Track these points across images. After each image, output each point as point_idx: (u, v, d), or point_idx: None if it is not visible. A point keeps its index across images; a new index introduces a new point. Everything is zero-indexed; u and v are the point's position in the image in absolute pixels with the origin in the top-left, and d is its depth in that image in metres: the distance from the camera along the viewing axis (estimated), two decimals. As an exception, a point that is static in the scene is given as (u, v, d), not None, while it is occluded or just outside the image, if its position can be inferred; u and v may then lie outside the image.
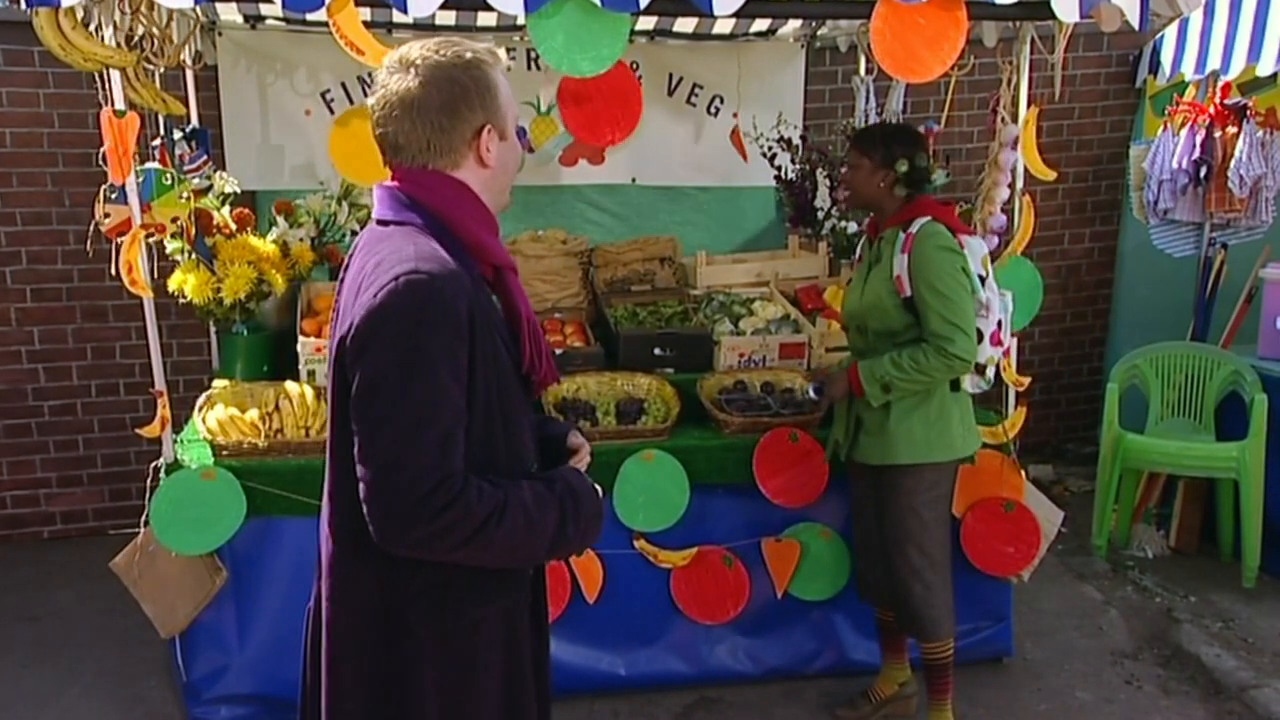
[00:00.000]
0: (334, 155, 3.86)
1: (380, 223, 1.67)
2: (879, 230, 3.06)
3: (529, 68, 4.69)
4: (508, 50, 4.63)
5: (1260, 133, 4.33)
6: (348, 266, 1.72)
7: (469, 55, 1.62)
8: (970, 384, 3.02)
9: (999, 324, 2.99)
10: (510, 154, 1.71)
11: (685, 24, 4.68)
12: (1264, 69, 4.04)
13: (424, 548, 1.52)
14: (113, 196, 3.14)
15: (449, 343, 1.52)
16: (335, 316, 1.68)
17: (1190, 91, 4.63)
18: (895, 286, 2.93)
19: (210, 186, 3.68)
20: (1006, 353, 3.05)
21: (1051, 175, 3.42)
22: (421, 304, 1.51)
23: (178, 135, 3.70)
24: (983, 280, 2.95)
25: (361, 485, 1.53)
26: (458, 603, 1.65)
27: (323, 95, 4.59)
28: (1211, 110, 4.44)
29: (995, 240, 3.54)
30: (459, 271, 1.57)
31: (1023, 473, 3.50)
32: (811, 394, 3.16)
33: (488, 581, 1.66)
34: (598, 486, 1.76)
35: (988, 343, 2.95)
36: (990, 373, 3.01)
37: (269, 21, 4.39)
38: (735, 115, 4.92)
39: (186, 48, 3.88)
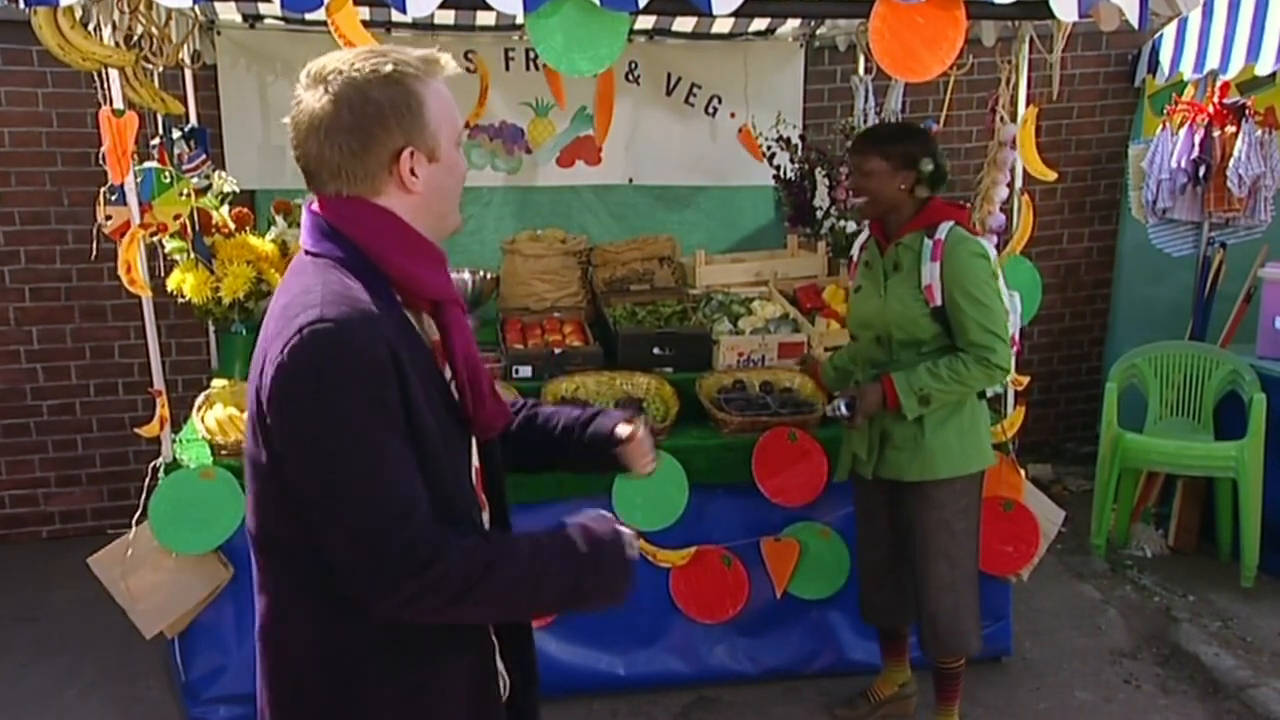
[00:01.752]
0: None
1: (306, 251, 1.50)
2: (891, 236, 2.93)
3: (528, 67, 4.69)
4: (506, 51, 4.68)
5: (1259, 132, 4.33)
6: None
7: (388, 69, 1.43)
8: (989, 390, 3.01)
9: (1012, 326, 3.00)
10: (445, 176, 1.50)
11: (684, 23, 4.68)
12: (1263, 68, 4.05)
13: (419, 604, 1.37)
14: (113, 198, 3.14)
15: (370, 391, 1.35)
16: (258, 349, 1.48)
17: (1189, 91, 4.63)
18: (925, 296, 2.84)
19: (209, 186, 3.68)
20: (1018, 354, 3.03)
21: (1050, 175, 3.42)
22: (330, 358, 1.34)
23: (176, 135, 3.70)
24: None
25: (338, 565, 1.38)
26: (420, 656, 1.50)
27: (322, 95, 4.58)
28: (1210, 110, 4.44)
29: (994, 240, 3.54)
30: (372, 313, 1.38)
31: (1022, 472, 3.51)
32: (843, 410, 2.91)
33: (455, 634, 1.51)
34: (626, 529, 1.56)
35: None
36: (1007, 379, 3.01)
37: (268, 21, 4.39)
38: (733, 115, 4.92)
39: (185, 47, 3.88)
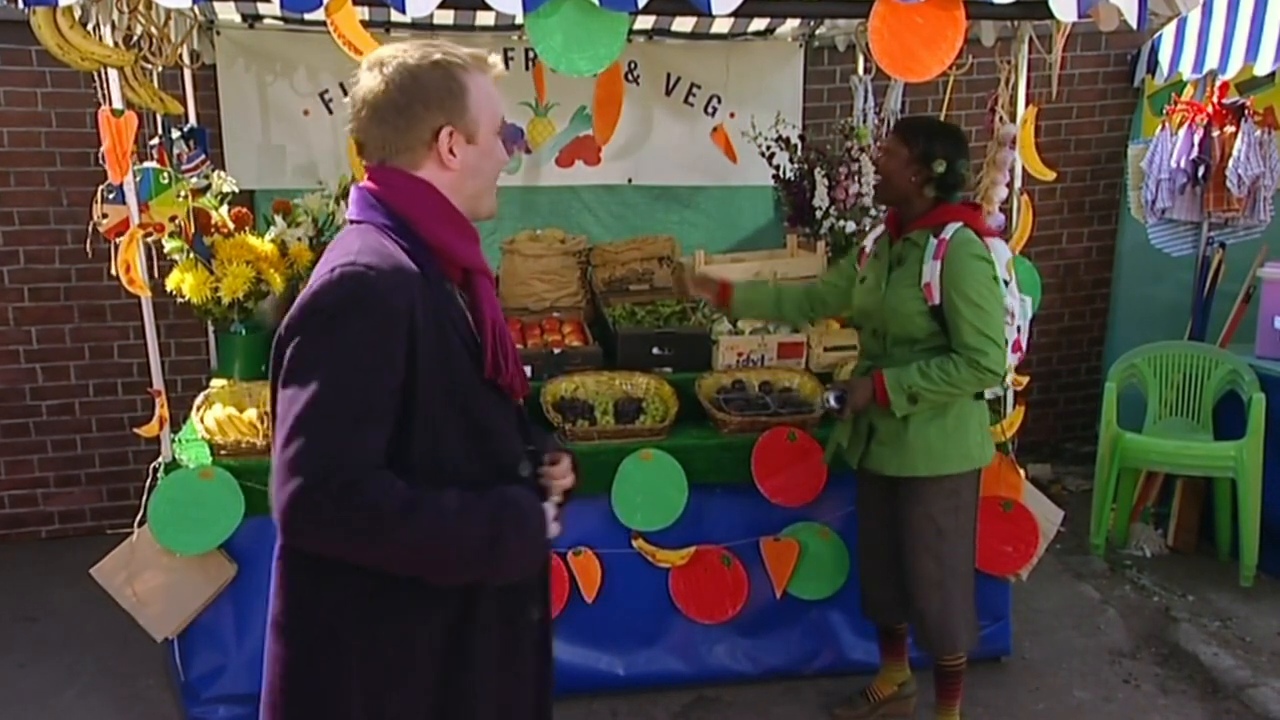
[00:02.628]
0: (352, 154, 3.87)
1: (350, 222, 1.66)
2: (902, 229, 2.94)
3: (527, 67, 4.69)
4: (505, 51, 4.68)
5: (1258, 132, 4.33)
6: None
7: (437, 57, 1.61)
8: (988, 391, 2.97)
9: (1018, 330, 2.92)
10: (481, 159, 1.66)
11: (683, 23, 4.68)
12: (1262, 68, 4.05)
13: (324, 536, 1.47)
14: (110, 196, 3.14)
15: (374, 334, 1.49)
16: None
17: (1188, 91, 4.63)
18: (923, 293, 2.84)
19: (208, 186, 3.68)
20: (1021, 357, 2.96)
21: (1050, 175, 3.42)
22: (352, 294, 1.49)
23: (176, 135, 3.70)
24: (1006, 285, 2.87)
25: (272, 468, 1.47)
26: (388, 609, 1.58)
27: (321, 95, 4.58)
28: (1209, 110, 4.44)
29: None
30: (406, 269, 1.54)
31: (1021, 472, 3.51)
32: (832, 403, 2.96)
33: (424, 590, 1.57)
34: (548, 506, 1.66)
35: (1008, 349, 2.87)
36: (1009, 379, 2.96)
37: (267, 21, 4.39)
38: (733, 115, 4.92)
39: (184, 47, 3.88)
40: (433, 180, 1.63)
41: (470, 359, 1.62)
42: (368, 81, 1.61)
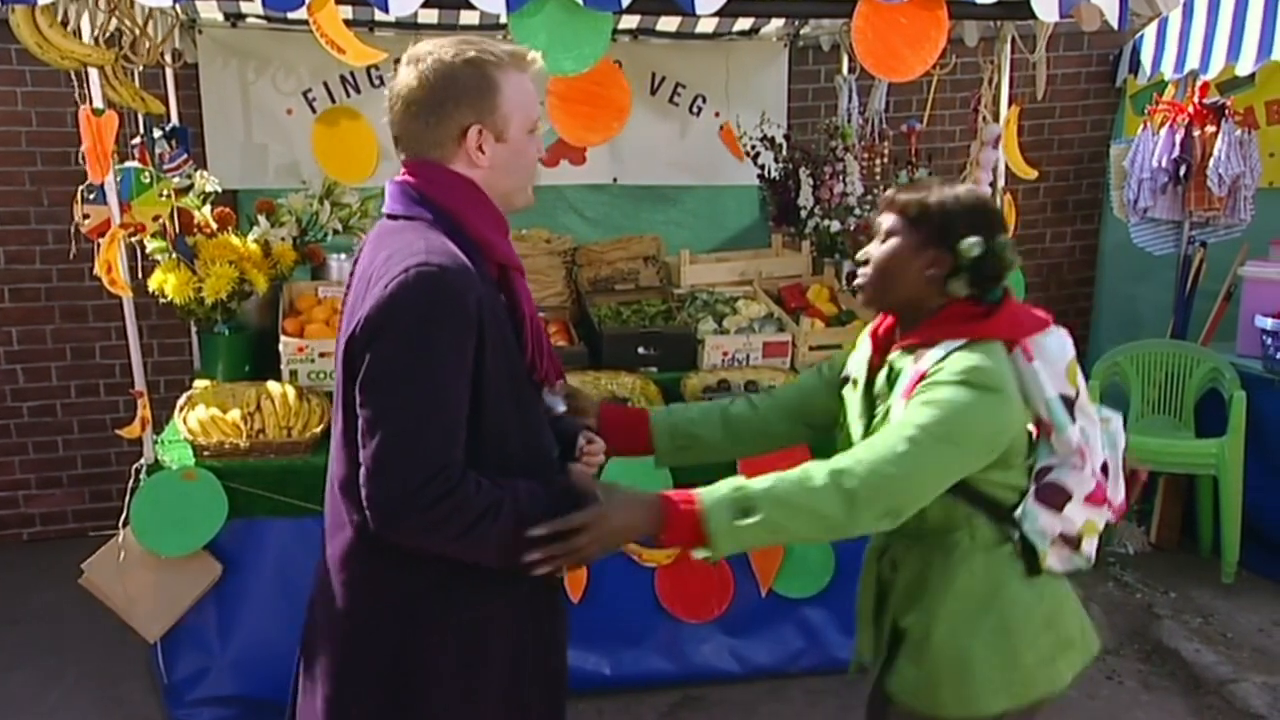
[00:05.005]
0: (317, 153, 3.86)
1: (390, 217, 1.68)
2: (894, 344, 1.88)
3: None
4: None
5: (1238, 132, 4.36)
6: (357, 261, 1.72)
7: (471, 54, 1.62)
8: (1058, 560, 1.84)
9: (1104, 468, 1.84)
10: (511, 157, 1.68)
11: (668, 23, 4.68)
12: (1243, 69, 4.08)
13: (419, 536, 1.55)
14: (91, 197, 3.11)
15: (456, 336, 1.53)
16: (343, 312, 1.68)
17: (1169, 91, 4.66)
18: None
19: (191, 185, 3.65)
20: (1120, 510, 1.89)
21: (1033, 174, 3.44)
22: (431, 296, 1.51)
23: (157, 134, 3.67)
24: (1070, 404, 1.79)
25: (362, 471, 1.53)
26: (467, 596, 1.66)
27: (304, 94, 4.56)
28: (1190, 109, 4.47)
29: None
30: (468, 267, 1.57)
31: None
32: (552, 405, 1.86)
33: (494, 576, 1.64)
34: (611, 486, 1.71)
35: (1079, 502, 1.81)
36: (1089, 546, 1.85)
37: (250, 20, 4.36)
38: (717, 115, 4.92)
39: (166, 46, 3.85)
40: (468, 173, 1.66)
41: (516, 353, 1.68)
42: (404, 77, 1.64)
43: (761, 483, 1.65)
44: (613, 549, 1.68)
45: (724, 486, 1.67)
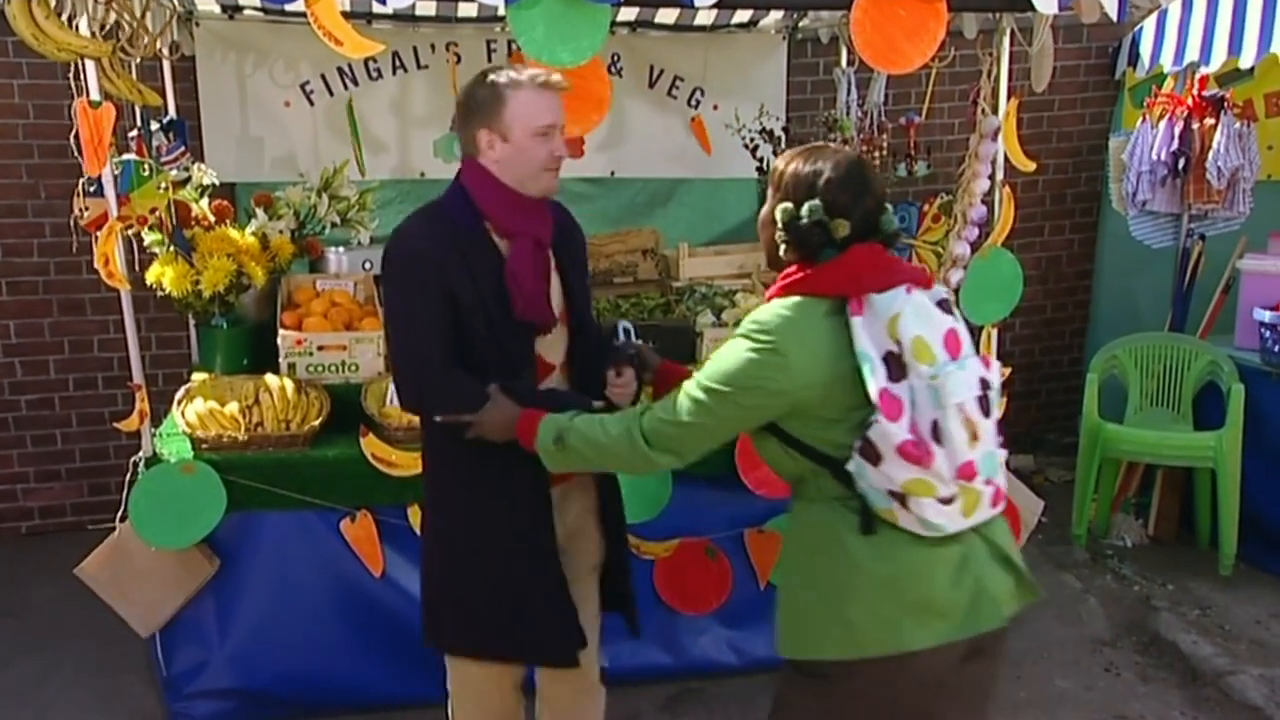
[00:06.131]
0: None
1: None
2: None
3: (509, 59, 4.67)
4: (488, 43, 4.66)
5: (1237, 124, 4.36)
6: None
7: (490, 78, 2.19)
8: (910, 522, 1.79)
9: (933, 426, 1.75)
10: (514, 154, 2.19)
11: (666, 15, 4.67)
12: (1246, 61, 4.06)
13: (424, 408, 2.23)
14: (90, 190, 3.11)
15: (422, 274, 2.16)
16: None
17: (1168, 84, 4.65)
18: None
19: (188, 178, 3.65)
20: (967, 473, 1.77)
21: (1032, 166, 3.43)
22: (397, 248, 2.21)
23: (155, 126, 3.67)
24: (895, 360, 1.77)
25: (394, 382, 2.28)
26: (485, 454, 2.19)
27: (302, 86, 4.55)
28: (1189, 102, 4.47)
29: (975, 231, 3.55)
30: (440, 226, 2.20)
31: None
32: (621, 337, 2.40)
33: (492, 469, 2.23)
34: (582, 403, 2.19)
35: (891, 457, 1.74)
36: (921, 509, 1.76)
37: (247, 12, 4.35)
38: (716, 107, 4.91)
39: (163, 38, 3.84)
40: (487, 165, 2.21)
41: (496, 293, 2.19)
42: (461, 94, 2.27)
43: (580, 419, 2.04)
44: (493, 437, 2.13)
45: (563, 416, 2.06)
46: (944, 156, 5.14)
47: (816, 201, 1.84)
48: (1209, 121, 4.43)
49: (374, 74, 4.58)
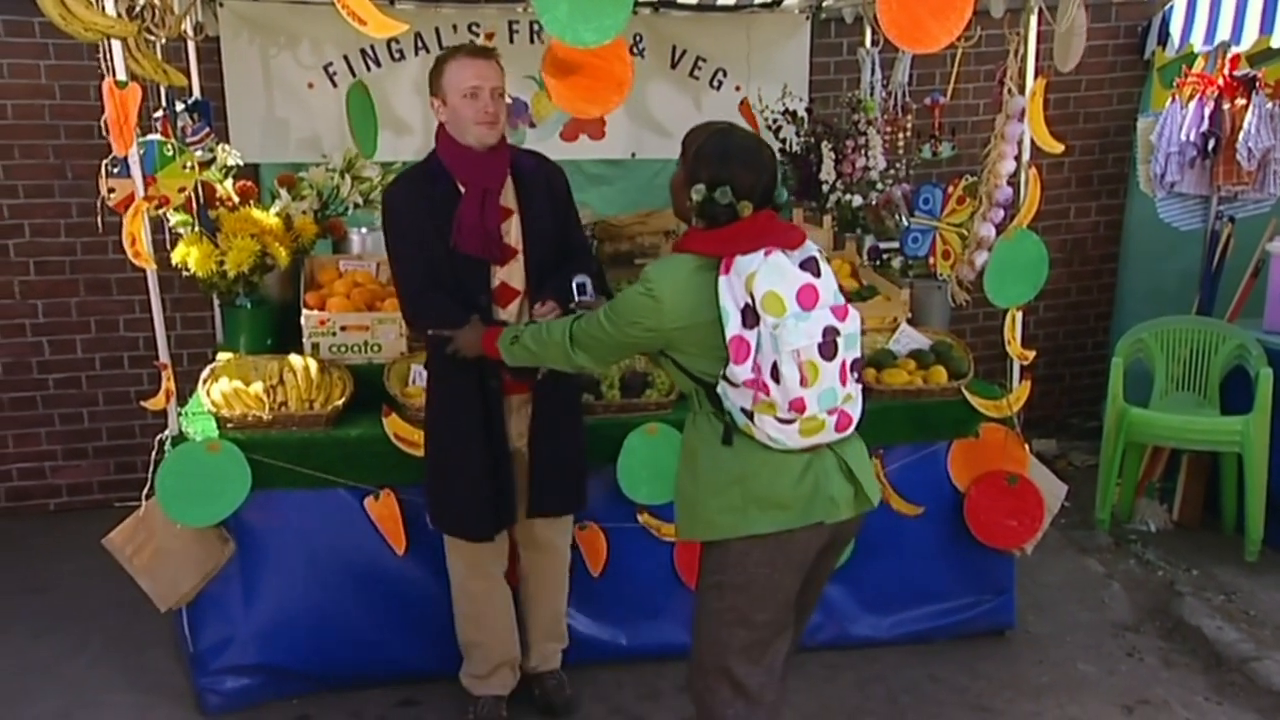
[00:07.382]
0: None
1: None
2: None
3: (532, 41, 4.65)
4: (510, 24, 4.64)
5: (1269, 105, 4.29)
6: None
7: (441, 55, 2.79)
8: (763, 434, 2.25)
9: (773, 367, 2.17)
10: (452, 112, 2.77)
11: (690, -5, 4.64)
12: (1278, 40, 3.98)
13: (413, 321, 2.99)
14: (115, 170, 3.13)
15: (399, 221, 2.82)
16: None
17: (1198, 63, 4.58)
18: None
19: (213, 159, 3.66)
20: (799, 406, 2.20)
21: (1058, 148, 3.39)
22: (383, 203, 2.91)
23: (180, 107, 3.68)
24: (749, 311, 2.18)
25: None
26: (454, 374, 2.84)
27: (325, 68, 4.56)
28: (1220, 82, 4.40)
29: (1001, 213, 3.52)
30: (413, 180, 2.84)
31: (1026, 446, 3.51)
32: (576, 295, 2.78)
33: (454, 372, 2.83)
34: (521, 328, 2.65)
35: (740, 386, 2.22)
36: (768, 425, 2.22)
37: (271, -8, 4.37)
38: (739, 88, 4.88)
39: (188, 18, 3.85)
40: (445, 126, 2.81)
41: (447, 231, 2.77)
42: None
43: (531, 326, 2.61)
44: (466, 351, 2.71)
45: (519, 326, 2.67)
46: (969, 138, 5.09)
47: (727, 187, 2.24)
48: (1240, 102, 4.36)
49: (396, 55, 4.58)
